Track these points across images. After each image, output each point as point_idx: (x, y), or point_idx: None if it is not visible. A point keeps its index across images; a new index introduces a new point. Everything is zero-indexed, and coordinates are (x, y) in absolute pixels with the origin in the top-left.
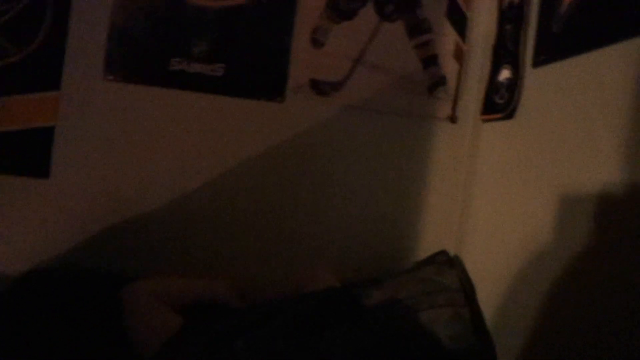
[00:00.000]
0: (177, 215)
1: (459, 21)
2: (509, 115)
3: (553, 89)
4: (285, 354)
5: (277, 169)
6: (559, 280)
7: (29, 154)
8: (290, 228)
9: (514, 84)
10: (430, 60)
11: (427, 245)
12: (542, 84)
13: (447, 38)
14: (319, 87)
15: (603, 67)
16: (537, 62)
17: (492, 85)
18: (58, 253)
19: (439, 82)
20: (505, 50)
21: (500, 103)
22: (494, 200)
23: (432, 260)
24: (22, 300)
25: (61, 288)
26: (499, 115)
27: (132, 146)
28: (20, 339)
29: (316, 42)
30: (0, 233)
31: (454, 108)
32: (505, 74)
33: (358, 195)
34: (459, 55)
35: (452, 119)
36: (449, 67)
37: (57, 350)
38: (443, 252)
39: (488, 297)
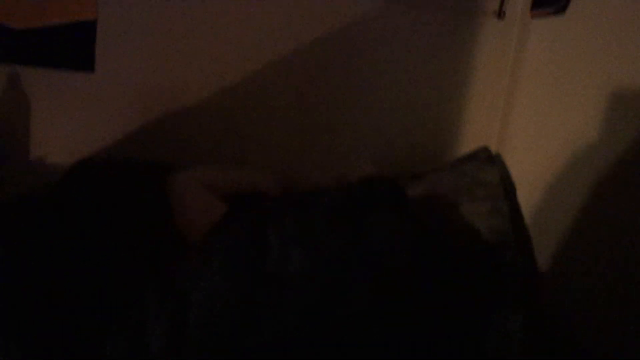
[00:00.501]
0: (220, 107)
1: None
2: (561, 10)
3: None
4: (325, 237)
5: (320, 61)
6: (602, 181)
7: (73, 47)
8: (333, 120)
9: None
10: None
11: (469, 141)
12: None
13: None
14: None
15: None
16: None
17: None
18: (104, 144)
19: None
20: None
21: None
22: (539, 99)
23: (473, 156)
24: (72, 189)
25: (109, 177)
26: (549, 11)
27: (175, 38)
28: (71, 226)
29: None
30: (49, 126)
31: (501, 2)
32: None
33: (401, 90)
34: None
35: (500, 14)
36: None
37: (106, 237)
38: (485, 149)
39: (528, 195)
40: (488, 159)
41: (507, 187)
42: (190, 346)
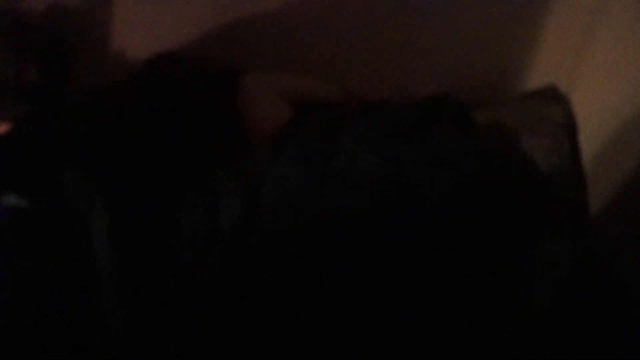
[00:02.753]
0: (295, 15)
1: None
2: None
3: None
4: (395, 142)
5: None
6: None
7: None
8: (401, 40)
9: None
10: None
11: (538, 78)
12: None
13: None
14: None
15: None
16: None
17: None
18: (180, 42)
19: None
20: None
21: None
22: (618, 44)
23: (539, 92)
24: (145, 83)
25: (182, 74)
26: None
27: None
28: (145, 117)
29: None
30: (127, 22)
31: None
32: None
33: (470, 20)
34: None
35: None
36: None
37: (179, 132)
38: (552, 87)
39: (590, 138)
40: (554, 97)
41: (570, 127)
42: (262, 226)
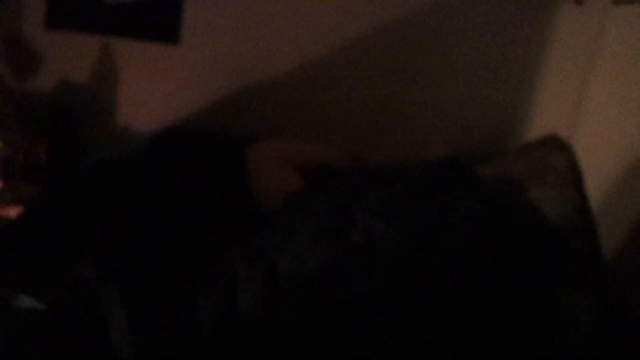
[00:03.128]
0: (298, 82)
1: None
2: None
3: None
4: (407, 211)
5: (395, 43)
6: None
7: (160, 20)
8: (405, 100)
9: None
10: None
11: (539, 128)
12: None
13: None
14: None
15: None
16: None
17: None
18: (188, 115)
19: None
20: None
21: None
22: (615, 91)
23: (543, 142)
24: (157, 158)
25: (191, 147)
26: None
27: (259, 13)
28: (153, 190)
29: None
30: (135, 95)
31: None
32: None
33: (473, 75)
34: None
35: (578, 0)
36: None
37: (188, 202)
38: (554, 136)
39: (596, 183)
40: (558, 145)
41: (576, 175)
42: (282, 309)
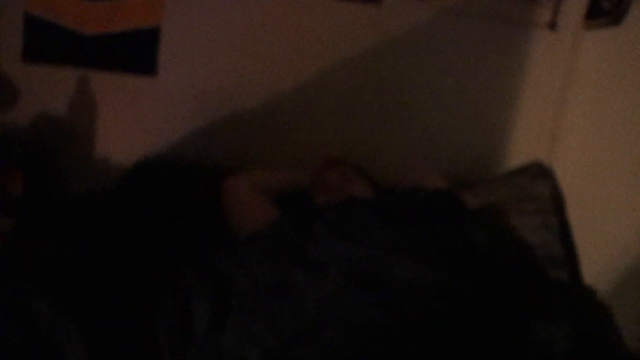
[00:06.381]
0: (274, 111)
1: None
2: (616, 21)
3: None
4: (369, 231)
5: (369, 70)
6: None
7: (137, 53)
8: (383, 127)
9: None
10: None
11: (519, 154)
12: None
13: None
14: None
15: None
16: None
17: None
18: (165, 146)
19: None
20: None
21: (607, 7)
22: (591, 113)
23: (525, 169)
24: (132, 190)
25: (167, 179)
26: (604, 22)
27: (235, 44)
28: (131, 222)
29: None
30: (112, 127)
31: (555, 13)
32: None
33: (450, 100)
34: None
35: (552, 25)
36: None
37: (163, 235)
38: (536, 163)
39: (577, 209)
40: (540, 173)
41: (558, 202)
42: (233, 323)
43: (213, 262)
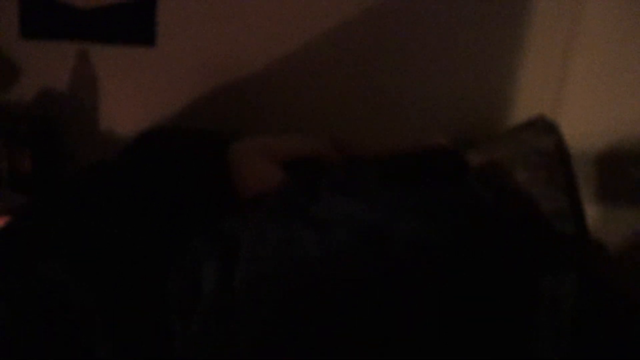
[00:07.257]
0: (276, 78)
1: None
2: None
3: None
4: (374, 191)
5: (375, 31)
6: None
7: (135, 23)
8: (388, 88)
9: None
10: None
11: (524, 111)
12: None
13: None
14: None
15: None
16: None
17: None
18: (169, 116)
19: None
20: None
21: None
22: (596, 65)
23: (530, 124)
24: (137, 156)
25: (171, 145)
26: None
27: (233, 11)
28: (137, 189)
29: None
30: (115, 99)
31: None
32: None
33: (453, 59)
34: None
35: None
36: None
37: (170, 201)
38: (541, 117)
39: (583, 164)
40: (545, 127)
41: (563, 156)
42: (240, 284)
43: (220, 225)
